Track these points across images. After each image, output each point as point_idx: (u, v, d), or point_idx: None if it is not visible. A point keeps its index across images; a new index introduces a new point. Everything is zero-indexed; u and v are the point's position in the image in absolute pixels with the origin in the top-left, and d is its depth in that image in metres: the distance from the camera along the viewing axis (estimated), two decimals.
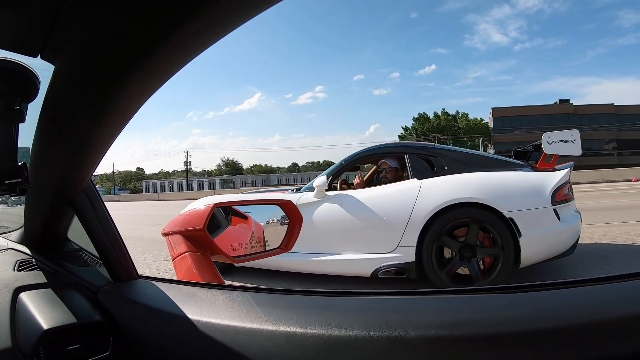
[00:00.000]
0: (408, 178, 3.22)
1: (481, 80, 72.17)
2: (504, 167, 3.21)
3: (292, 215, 0.89)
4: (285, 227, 0.92)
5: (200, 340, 0.56)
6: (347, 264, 3.05)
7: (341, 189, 3.52)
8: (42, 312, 0.64)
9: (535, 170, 3.18)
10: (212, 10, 0.35)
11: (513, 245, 2.77)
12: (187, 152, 59.02)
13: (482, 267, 2.90)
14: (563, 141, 3.22)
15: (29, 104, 0.53)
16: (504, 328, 0.45)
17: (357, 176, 3.74)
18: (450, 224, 2.89)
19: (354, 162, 3.62)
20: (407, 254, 2.92)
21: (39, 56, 0.47)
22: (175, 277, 0.75)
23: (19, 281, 0.72)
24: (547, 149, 3.25)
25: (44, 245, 0.85)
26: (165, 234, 0.79)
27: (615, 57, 63.78)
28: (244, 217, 0.95)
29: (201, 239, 0.74)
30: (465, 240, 2.86)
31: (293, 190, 3.81)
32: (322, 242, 3.14)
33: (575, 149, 3.20)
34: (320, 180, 3.32)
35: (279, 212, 0.92)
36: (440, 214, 2.88)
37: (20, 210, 0.85)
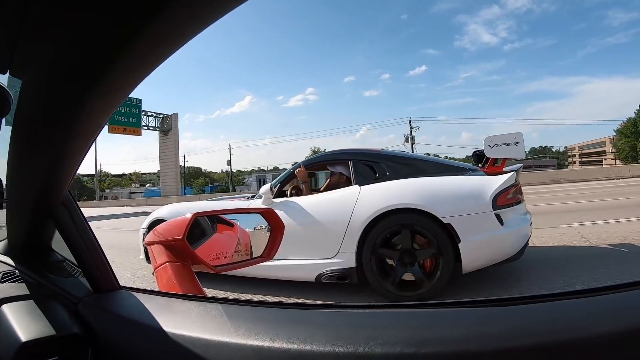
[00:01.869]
0: (351, 184, 3.26)
1: (472, 80, 72.41)
2: (448, 172, 3.22)
3: (274, 224, 0.89)
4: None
5: (174, 353, 0.56)
6: (292, 269, 3.11)
7: (291, 195, 3.55)
8: (22, 324, 0.64)
9: (483, 174, 3.17)
10: (162, 23, 0.35)
11: (452, 251, 2.76)
12: (230, 149, 55.18)
13: (424, 269, 2.89)
14: (505, 144, 3.19)
15: (3, 119, 0.54)
16: (473, 345, 0.43)
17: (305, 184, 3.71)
18: (387, 231, 2.90)
19: (295, 174, 3.69)
20: (347, 260, 2.96)
21: (7, 72, 0.47)
22: (156, 288, 0.75)
23: (1, 293, 0.72)
24: (488, 152, 3.25)
25: (27, 256, 0.85)
26: (148, 244, 0.79)
27: (604, 56, 64.16)
28: (230, 225, 0.95)
29: (181, 248, 0.74)
30: (402, 247, 2.86)
31: (248, 197, 3.90)
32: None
33: (519, 152, 3.17)
34: (265, 188, 3.48)
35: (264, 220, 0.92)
36: (379, 220, 2.90)
37: (3, 219, 0.85)
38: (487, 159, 3.43)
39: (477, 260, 2.83)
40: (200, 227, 0.88)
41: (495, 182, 2.93)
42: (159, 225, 0.80)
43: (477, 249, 2.80)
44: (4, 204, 0.77)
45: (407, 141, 42.08)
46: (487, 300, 0.51)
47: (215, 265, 0.79)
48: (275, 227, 0.89)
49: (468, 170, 3.28)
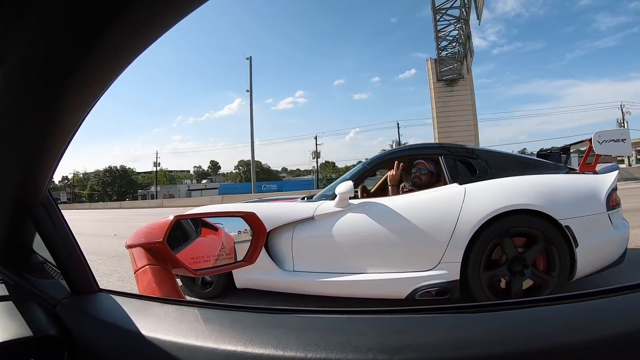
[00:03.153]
0: (444, 183, 2.88)
1: None
2: (550, 169, 2.93)
3: (256, 228, 0.89)
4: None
5: (148, 357, 0.56)
6: (378, 284, 2.63)
7: (361, 196, 3.13)
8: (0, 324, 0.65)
9: (575, 172, 2.95)
10: (134, 15, 0.35)
11: (569, 254, 2.50)
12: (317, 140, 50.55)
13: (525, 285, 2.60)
14: (614, 140, 2.98)
15: None
16: (450, 352, 0.43)
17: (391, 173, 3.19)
18: (498, 238, 2.56)
19: (379, 165, 3.28)
20: (450, 272, 2.55)
21: None
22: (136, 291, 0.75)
23: None
24: (598, 149, 2.97)
25: (7, 257, 0.85)
26: (128, 247, 0.79)
27: (592, 60, 65.19)
28: (214, 229, 0.95)
29: (161, 252, 0.74)
30: (521, 253, 2.56)
31: (303, 198, 3.41)
32: (346, 259, 2.75)
33: (626, 149, 3.02)
34: (346, 186, 2.82)
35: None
36: (489, 224, 2.55)
37: None
38: (555, 158, 3.31)
39: (591, 264, 2.59)
40: (183, 230, 0.88)
41: (607, 181, 2.70)
42: (139, 228, 0.80)
43: (592, 252, 2.56)
44: None
45: (398, 145, 42.21)
46: (467, 305, 0.51)
47: (195, 269, 0.80)
48: (257, 231, 0.89)
49: (562, 168, 3.02)
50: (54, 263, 0.83)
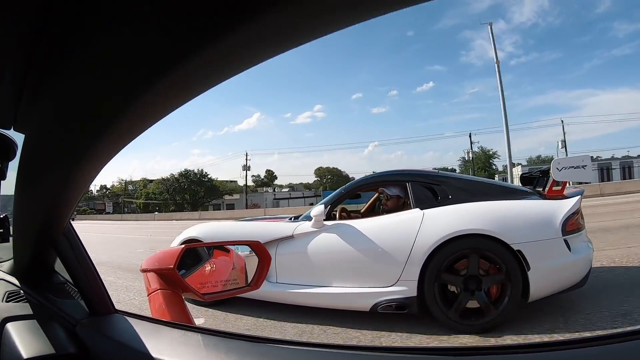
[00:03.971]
0: (410, 207, 3.08)
1: (478, 96, 71.76)
2: (510, 195, 3.09)
3: (261, 256, 0.94)
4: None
5: None
6: (344, 297, 2.92)
7: (340, 217, 3.44)
8: (24, 342, 0.70)
9: (544, 198, 3.05)
10: (161, 86, 0.36)
11: (521, 278, 2.63)
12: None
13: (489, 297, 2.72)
14: (574, 167, 3.03)
15: (10, 163, 0.61)
16: None
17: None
18: (452, 257, 2.73)
19: (354, 190, 3.55)
20: (408, 289, 2.76)
21: (12, 129, 0.54)
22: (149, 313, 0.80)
23: (6, 312, 0.78)
24: (556, 175, 3.04)
25: (31, 277, 0.91)
26: (143, 271, 0.85)
27: (610, 68, 63.17)
28: (226, 251, 1.00)
29: (172, 277, 0.79)
30: (467, 273, 2.71)
31: (290, 218, 3.67)
32: (319, 273, 3.05)
33: (587, 176, 3.05)
34: (318, 209, 3.20)
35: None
36: (444, 245, 2.73)
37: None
38: (537, 181, 3.39)
39: (545, 288, 2.70)
40: (196, 253, 0.94)
41: (564, 207, 2.79)
42: (153, 254, 0.85)
43: (545, 276, 2.67)
44: (11, 230, 0.84)
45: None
46: (473, 347, 0.54)
47: (204, 293, 0.84)
48: (262, 259, 0.94)
49: (529, 193, 3.15)
50: (73, 283, 0.89)
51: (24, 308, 0.82)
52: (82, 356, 0.72)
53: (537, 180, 3.57)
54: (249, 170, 46.67)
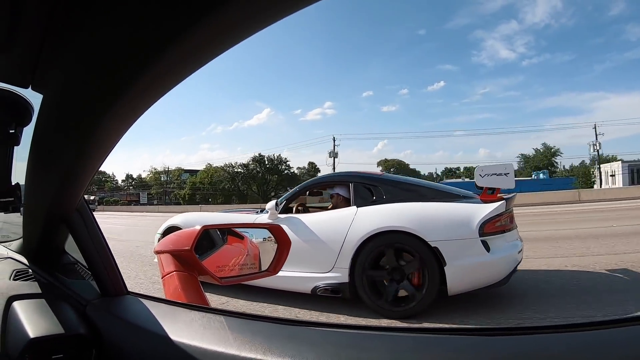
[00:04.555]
0: (350, 205, 3.52)
1: (489, 96, 71.58)
2: (443, 198, 3.40)
3: (281, 240, 0.90)
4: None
5: (173, 359, 0.58)
6: (291, 280, 3.36)
7: (297, 212, 3.90)
8: (31, 321, 0.67)
9: (478, 201, 3.30)
10: (188, 42, 0.36)
11: (439, 272, 2.95)
12: None
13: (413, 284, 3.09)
14: (496, 174, 3.29)
15: (24, 129, 0.58)
16: None
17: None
18: (379, 250, 3.12)
19: (307, 189, 4.08)
20: (341, 275, 3.19)
21: (30, 87, 0.51)
22: (163, 295, 0.77)
23: (13, 290, 0.75)
24: (479, 182, 3.34)
25: (40, 256, 0.88)
26: (157, 252, 0.81)
27: (622, 71, 62.71)
28: (240, 237, 0.97)
29: (189, 259, 0.76)
30: (390, 266, 3.08)
31: (257, 211, 4.12)
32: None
33: (509, 183, 3.28)
34: (270, 204, 3.80)
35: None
36: (372, 239, 3.12)
37: (20, 219, 0.89)
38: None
39: (462, 283, 3.00)
40: (210, 238, 0.90)
41: (484, 210, 3.08)
42: (168, 235, 0.82)
43: (461, 272, 2.96)
44: (21, 208, 0.81)
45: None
46: (474, 328, 0.53)
47: (221, 277, 0.81)
48: (282, 243, 0.90)
49: (463, 197, 3.44)
50: (84, 264, 0.86)
51: (32, 287, 0.79)
52: (93, 337, 0.69)
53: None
54: (336, 157, 42.05)
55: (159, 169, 54.26)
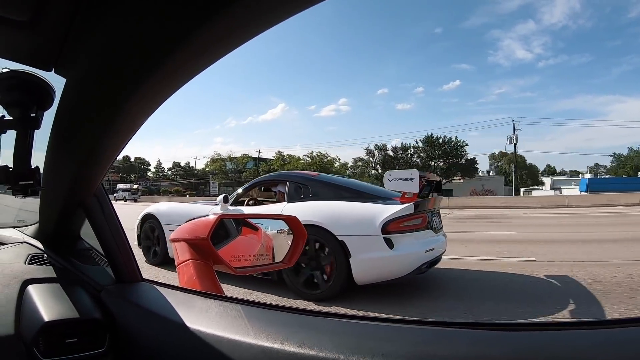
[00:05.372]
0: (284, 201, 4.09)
1: (504, 96, 70.33)
2: (361, 198, 3.77)
3: (297, 231, 0.89)
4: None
5: (189, 347, 0.58)
6: None
7: (246, 204, 4.54)
8: (46, 304, 0.67)
9: (395, 202, 3.64)
10: (214, 25, 0.36)
11: (346, 263, 3.35)
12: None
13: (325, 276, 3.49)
14: (402, 179, 3.60)
15: (45, 112, 0.58)
16: None
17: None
18: None
19: (253, 187, 4.71)
20: None
21: (53, 70, 0.51)
22: (177, 283, 0.77)
23: (28, 274, 0.75)
24: (387, 185, 3.67)
25: (56, 241, 0.88)
26: (172, 241, 0.81)
27: (639, 75, 61.53)
28: (255, 229, 0.97)
29: (205, 248, 0.75)
30: (309, 254, 3.50)
31: (216, 202, 4.65)
32: None
33: (413, 187, 3.54)
34: (219, 198, 4.52)
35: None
36: None
37: (36, 204, 0.89)
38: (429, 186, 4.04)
39: (367, 275, 3.39)
40: (225, 228, 0.90)
41: (389, 211, 3.44)
42: (184, 224, 0.82)
43: (365, 265, 3.36)
44: (40, 191, 0.81)
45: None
46: (493, 323, 0.52)
47: (236, 266, 0.80)
48: (298, 234, 0.89)
49: (384, 198, 3.77)
50: (99, 251, 0.86)
51: (47, 271, 0.79)
52: (107, 322, 0.69)
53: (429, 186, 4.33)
54: (516, 143, 37.27)
55: (215, 155, 50.20)
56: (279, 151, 48.55)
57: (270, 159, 48.06)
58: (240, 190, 4.70)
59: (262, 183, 4.81)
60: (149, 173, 61.84)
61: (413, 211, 3.47)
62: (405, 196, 3.60)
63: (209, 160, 52.14)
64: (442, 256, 3.96)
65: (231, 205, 4.41)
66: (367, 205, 3.67)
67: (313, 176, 4.36)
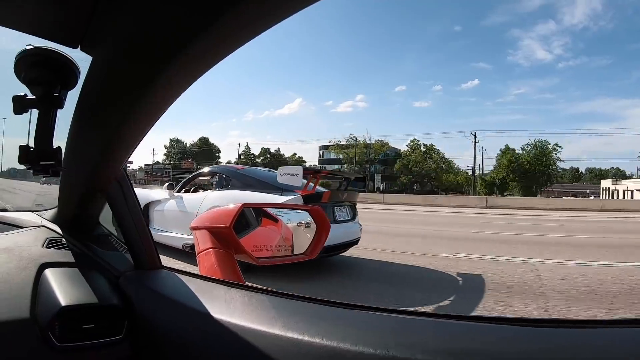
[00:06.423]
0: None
1: (523, 97, 68.86)
2: (266, 189, 4.14)
3: (320, 223, 0.87)
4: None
5: (213, 335, 0.56)
6: (173, 239, 4.51)
7: (194, 191, 5.19)
8: (63, 289, 0.66)
9: (295, 195, 3.97)
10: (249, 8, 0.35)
11: None
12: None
13: None
14: (290, 174, 3.89)
15: (69, 92, 0.56)
16: None
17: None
18: None
19: (193, 178, 5.48)
20: None
21: (79, 47, 0.49)
22: (197, 271, 0.75)
23: (45, 257, 0.74)
24: (279, 179, 3.95)
25: (75, 226, 0.87)
26: (193, 229, 0.79)
27: None
28: (275, 220, 0.95)
29: (227, 237, 0.73)
30: None
31: (164, 190, 5.29)
32: (164, 222, 4.88)
33: (298, 182, 3.85)
34: (166, 184, 5.27)
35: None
36: None
37: (55, 190, 0.88)
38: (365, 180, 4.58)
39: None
40: (246, 218, 0.88)
41: (275, 200, 3.77)
42: (205, 212, 0.80)
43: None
44: (62, 173, 0.79)
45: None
46: (518, 318, 0.51)
47: (258, 256, 0.78)
48: (321, 226, 0.87)
49: (283, 190, 4.06)
50: (118, 237, 0.84)
51: (66, 255, 0.78)
52: (125, 309, 0.67)
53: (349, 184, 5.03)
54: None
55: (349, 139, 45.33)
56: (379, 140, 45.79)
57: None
58: (183, 181, 5.37)
59: (202, 174, 5.53)
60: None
61: (302, 202, 3.78)
62: (307, 189, 4.01)
63: (334, 144, 47.94)
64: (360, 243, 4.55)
65: (177, 192, 5.04)
66: (263, 194, 4.08)
67: (238, 169, 4.97)
